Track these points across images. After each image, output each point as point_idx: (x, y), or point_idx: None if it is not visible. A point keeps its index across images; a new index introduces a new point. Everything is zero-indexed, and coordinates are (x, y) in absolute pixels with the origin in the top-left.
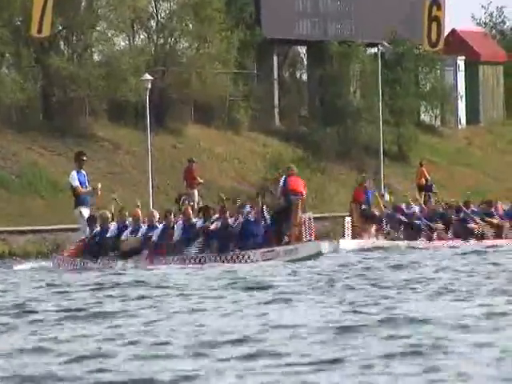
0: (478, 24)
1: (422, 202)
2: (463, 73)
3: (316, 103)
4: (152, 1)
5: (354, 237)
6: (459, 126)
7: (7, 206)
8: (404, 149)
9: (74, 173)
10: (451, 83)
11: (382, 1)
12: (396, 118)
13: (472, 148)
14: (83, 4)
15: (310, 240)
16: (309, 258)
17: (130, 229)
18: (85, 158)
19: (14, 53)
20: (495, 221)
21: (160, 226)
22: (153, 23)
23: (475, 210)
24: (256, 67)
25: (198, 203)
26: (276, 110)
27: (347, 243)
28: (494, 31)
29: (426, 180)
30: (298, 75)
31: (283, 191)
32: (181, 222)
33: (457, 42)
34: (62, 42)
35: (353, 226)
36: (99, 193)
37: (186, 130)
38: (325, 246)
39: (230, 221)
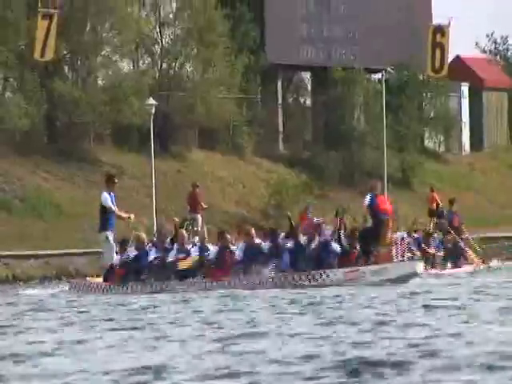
0: (483, 51)
1: (432, 227)
2: (467, 99)
3: (320, 128)
4: (156, 25)
5: None
6: (463, 152)
7: (10, 229)
8: (408, 174)
9: (106, 194)
10: (455, 109)
11: (386, 27)
12: (400, 143)
13: (475, 173)
14: (87, 28)
15: (402, 260)
16: (402, 278)
17: (174, 249)
18: (116, 181)
19: (18, 77)
20: (431, 251)
21: (213, 247)
22: (157, 48)
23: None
24: (260, 92)
25: (201, 228)
26: (280, 135)
27: None
28: (498, 58)
29: (438, 205)
30: (302, 100)
31: (372, 211)
32: (242, 242)
33: (461, 69)
34: (66, 67)
35: None
36: (131, 222)
37: (190, 155)
38: (420, 266)
39: (302, 240)
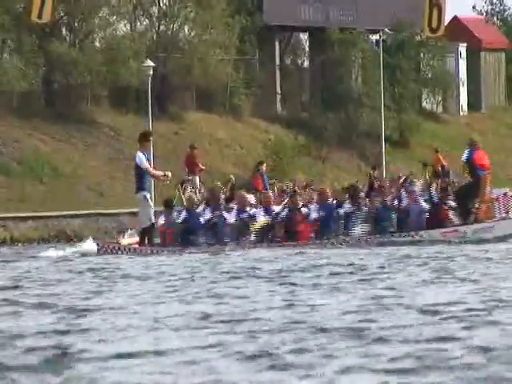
0: (479, 13)
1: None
2: (465, 60)
3: (318, 90)
4: None
5: None
6: (461, 113)
7: (8, 191)
8: (405, 135)
9: (140, 154)
10: (453, 70)
11: None
12: (397, 104)
13: (473, 134)
14: None
15: (505, 218)
16: (509, 236)
17: (234, 210)
18: (151, 139)
19: (15, 39)
20: None
21: (277, 208)
22: (154, 9)
23: None
24: (257, 54)
25: (199, 189)
26: (277, 97)
27: None
28: (495, 18)
29: (443, 166)
30: (299, 62)
31: (470, 166)
32: (314, 203)
33: (458, 29)
34: (63, 29)
35: None
36: (168, 182)
37: (188, 116)
38: None
39: (388, 199)
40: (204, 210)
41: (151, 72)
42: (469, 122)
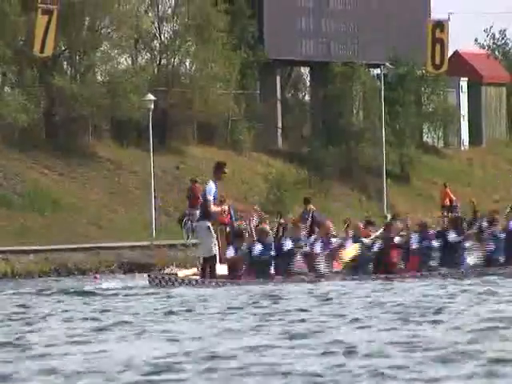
0: (481, 47)
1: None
2: (466, 94)
3: (319, 123)
4: (155, 21)
5: None
6: (462, 147)
7: (9, 224)
8: (406, 169)
9: (211, 184)
10: (454, 104)
11: (386, 22)
12: (398, 138)
13: (474, 168)
14: (86, 24)
15: None
16: None
17: (320, 241)
18: (226, 171)
19: (16, 72)
20: None
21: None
22: (156, 43)
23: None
24: (259, 87)
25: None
26: (279, 131)
27: None
28: (496, 53)
29: (451, 201)
30: (300, 95)
31: None
32: (415, 234)
33: (459, 64)
34: (65, 62)
35: None
36: (224, 215)
37: (189, 150)
38: None
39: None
40: (282, 241)
41: (152, 106)
42: (470, 156)
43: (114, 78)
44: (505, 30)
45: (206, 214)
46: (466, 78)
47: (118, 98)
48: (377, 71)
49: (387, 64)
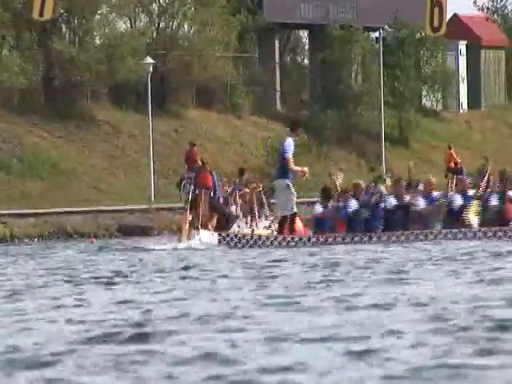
0: (480, 9)
1: (454, 185)
2: (465, 57)
3: (317, 87)
4: None
5: None
6: (461, 110)
7: (8, 188)
8: (405, 133)
9: (290, 141)
10: (453, 67)
11: None
12: (397, 102)
13: (472, 132)
14: None
15: None
16: None
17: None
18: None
19: (15, 36)
20: None
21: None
22: (154, 7)
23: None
24: (257, 51)
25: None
26: (277, 94)
27: None
28: (495, 16)
29: (456, 163)
30: (299, 59)
31: None
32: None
33: (458, 27)
34: (63, 26)
35: None
36: (305, 178)
37: (187, 114)
38: None
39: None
40: (383, 198)
41: (151, 69)
42: (468, 119)
43: (112, 42)
44: None
45: (285, 172)
46: (465, 42)
47: (117, 61)
48: (376, 34)
49: (386, 27)
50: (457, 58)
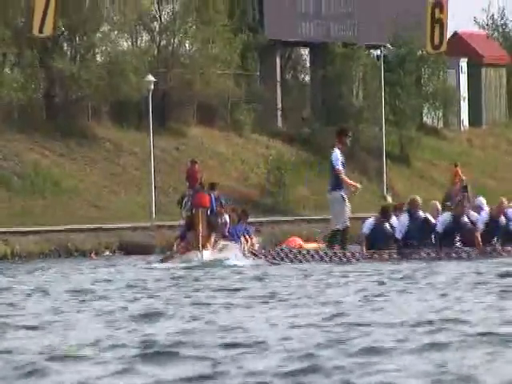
0: (481, 27)
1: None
2: (466, 75)
3: (319, 104)
4: (155, 2)
5: None
6: (462, 128)
7: (9, 206)
8: (406, 150)
9: (337, 152)
10: (454, 85)
11: (385, 2)
12: (398, 119)
13: (473, 149)
14: (87, 5)
15: None
16: None
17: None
18: (350, 135)
19: (16, 53)
20: None
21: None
22: (156, 25)
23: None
24: (259, 69)
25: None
26: (278, 112)
27: None
28: (496, 34)
29: (461, 180)
30: (300, 77)
31: None
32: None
33: (459, 44)
34: (64, 43)
35: None
36: (355, 194)
37: (189, 131)
38: None
39: None
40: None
41: (152, 87)
42: (469, 137)
43: (113, 60)
44: (503, 9)
45: (338, 184)
46: (466, 59)
47: (118, 79)
48: (377, 52)
49: (387, 45)
50: (458, 76)
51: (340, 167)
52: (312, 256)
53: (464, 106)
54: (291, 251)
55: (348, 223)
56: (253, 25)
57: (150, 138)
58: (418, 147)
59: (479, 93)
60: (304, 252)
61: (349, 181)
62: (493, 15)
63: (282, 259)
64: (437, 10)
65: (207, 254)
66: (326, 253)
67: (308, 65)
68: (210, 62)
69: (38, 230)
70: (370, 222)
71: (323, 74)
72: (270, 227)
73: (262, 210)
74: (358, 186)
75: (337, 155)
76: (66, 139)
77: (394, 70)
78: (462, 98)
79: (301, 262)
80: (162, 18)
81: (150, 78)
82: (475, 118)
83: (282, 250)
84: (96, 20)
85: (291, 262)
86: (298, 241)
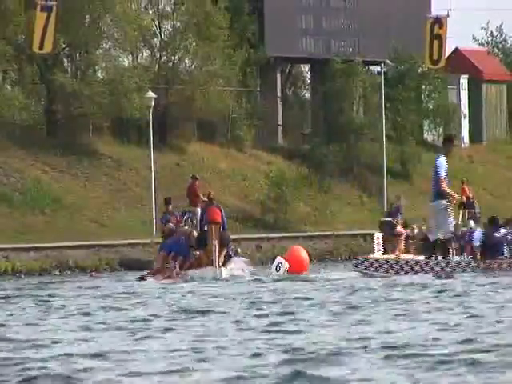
0: (480, 44)
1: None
2: (466, 91)
3: (319, 121)
4: (156, 19)
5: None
6: (462, 145)
7: (10, 222)
8: (407, 166)
9: (442, 159)
10: (454, 101)
11: (385, 19)
12: (399, 135)
13: (474, 166)
14: (87, 22)
15: None
16: None
17: None
18: (454, 142)
19: (17, 70)
20: None
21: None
22: (156, 41)
23: None
24: (259, 85)
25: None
26: (279, 128)
27: None
28: (496, 50)
29: (468, 197)
30: (300, 93)
31: None
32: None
33: (460, 61)
34: (65, 60)
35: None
36: (454, 202)
37: (189, 147)
38: None
39: None
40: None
41: (153, 103)
42: (470, 153)
43: (114, 76)
44: (501, 26)
45: (441, 193)
46: (467, 76)
47: (119, 95)
48: (377, 68)
49: (387, 61)
50: (458, 92)
51: (443, 175)
52: (411, 267)
53: (464, 123)
54: (387, 262)
55: (453, 231)
56: (253, 41)
57: (150, 154)
58: (419, 163)
59: (480, 109)
60: (402, 262)
61: (449, 190)
62: (492, 32)
63: (377, 269)
64: (436, 26)
65: (225, 271)
66: (426, 263)
67: (308, 81)
68: (210, 78)
69: (38, 246)
70: (479, 233)
71: (324, 90)
72: (271, 244)
73: (263, 226)
74: (457, 196)
75: (442, 162)
76: (67, 155)
77: (394, 86)
78: (462, 115)
79: (397, 272)
80: (163, 35)
81: (151, 94)
82: (476, 135)
83: (376, 260)
84: (96, 37)
85: (386, 272)
86: (301, 250)
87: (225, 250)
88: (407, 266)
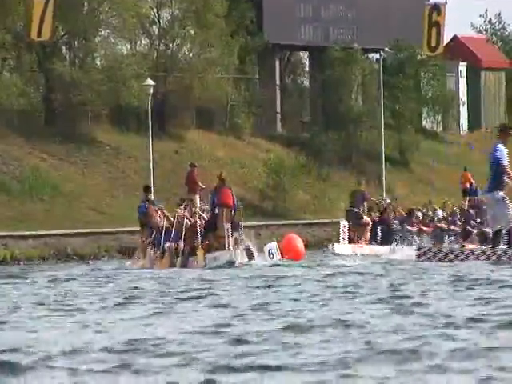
0: (479, 32)
1: (467, 207)
2: (465, 79)
3: (318, 108)
4: (154, 7)
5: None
6: (461, 132)
7: (8, 210)
8: (405, 154)
9: (502, 147)
10: (453, 89)
11: (384, 6)
12: (397, 123)
13: (472, 153)
14: (86, 10)
15: None
16: None
17: None
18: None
19: (15, 57)
20: (415, 229)
21: None
22: (155, 29)
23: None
24: (258, 72)
25: (199, 208)
26: (278, 116)
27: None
28: (494, 38)
29: (471, 184)
30: (299, 80)
31: None
32: None
33: (458, 48)
34: (64, 48)
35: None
36: None
37: (188, 135)
38: None
39: None
40: None
41: (151, 91)
42: (469, 140)
43: (113, 64)
44: (500, 14)
45: (499, 183)
46: (465, 63)
47: (118, 83)
48: (376, 56)
49: (386, 49)
50: (457, 80)
51: (505, 163)
52: (477, 257)
53: (463, 110)
54: (452, 251)
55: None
56: (251, 28)
57: (149, 142)
58: (417, 151)
59: (478, 97)
60: (467, 251)
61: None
62: (490, 19)
63: (440, 259)
64: (434, 13)
65: (240, 255)
66: (493, 252)
67: (307, 69)
68: (208, 65)
69: (37, 234)
70: None
71: (322, 78)
72: (270, 231)
73: (262, 214)
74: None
75: (502, 149)
76: (65, 143)
77: (393, 74)
78: (461, 102)
79: (462, 260)
80: (161, 22)
81: (150, 82)
82: (474, 122)
83: (439, 250)
84: (95, 24)
85: (451, 261)
86: (297, 237)
87: (235, 234)
88: (473, 255)
